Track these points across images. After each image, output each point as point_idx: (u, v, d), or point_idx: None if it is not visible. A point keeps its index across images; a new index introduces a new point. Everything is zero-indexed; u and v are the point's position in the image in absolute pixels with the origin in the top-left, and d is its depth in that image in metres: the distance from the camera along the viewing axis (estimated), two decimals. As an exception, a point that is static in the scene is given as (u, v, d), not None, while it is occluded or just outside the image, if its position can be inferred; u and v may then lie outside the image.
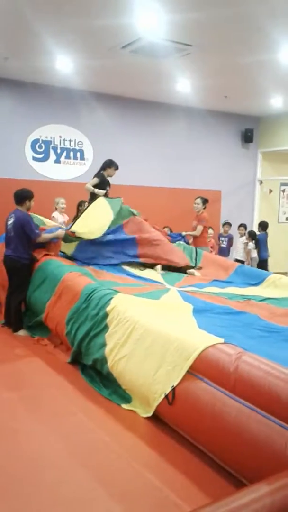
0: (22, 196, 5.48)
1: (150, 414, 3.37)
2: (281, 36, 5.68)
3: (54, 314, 4.79)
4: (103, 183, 6.68)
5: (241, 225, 8.87)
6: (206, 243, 7.50)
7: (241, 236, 8.71)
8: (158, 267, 6.28)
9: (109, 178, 6.78)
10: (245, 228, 8.85)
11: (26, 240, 5.45)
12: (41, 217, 6.45)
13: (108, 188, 6.74)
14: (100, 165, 6.83)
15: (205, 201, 7.54)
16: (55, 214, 7.43)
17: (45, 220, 6.52)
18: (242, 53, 6.41)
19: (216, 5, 4.94)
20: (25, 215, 5.46)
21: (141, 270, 6.15)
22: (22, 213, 5.45)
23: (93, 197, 6.60)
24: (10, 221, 5.47)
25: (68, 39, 6.04)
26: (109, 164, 6.72)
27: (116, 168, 6.73)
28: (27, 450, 3.04)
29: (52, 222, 6.74)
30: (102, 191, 6.57)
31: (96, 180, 6.68)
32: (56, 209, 7.51)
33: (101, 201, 6.44)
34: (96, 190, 6.56)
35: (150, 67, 7.11)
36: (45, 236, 5.69)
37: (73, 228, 5.93)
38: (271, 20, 5.24)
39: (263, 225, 8.71)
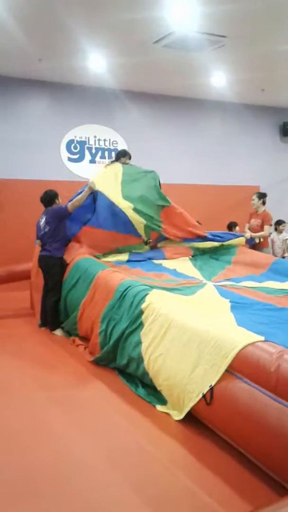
0: (50, 199, 5.57)
1: (182, 416, 3.24)
2: None
3: (89, 313, 4.72)
4: None
5: (279, 221, 8.54)
6: (267, 243, 7.16)
7: (280, 233, 8.42)
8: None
9: None
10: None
11: (60, 232, 5.49)
12: None
13: None
14: (134, 163, 6.74)
15: (261, 195, 7.10)
16: None
17: None
18: (279, 42, 6.20)
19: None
20: (55, 207, 5.56)
21: (173, 261, 6.04)
22: (53, 208, 5.56)
23: None
24: (43, 219, 5.55)
25: (100, 35, 6.01)
26: (123, 154, 6.53)
27: (130, 158, 6.52)
28: (61, 451, 2.97)
29: None
30: None
31: None
32: None
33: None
34: None
35: (183, 62, 6.99)
36: (74, 201, 5.56)
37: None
38: (309, 5, 5.03)
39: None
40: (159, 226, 6.19)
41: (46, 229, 5.48)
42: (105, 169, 6.32)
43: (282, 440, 2.47)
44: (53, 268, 5.48)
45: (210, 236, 6.36)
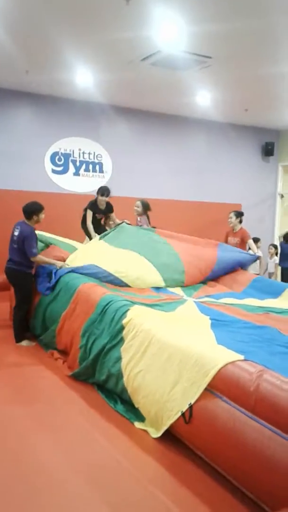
0: (30, 212, 5.33)
1: (160, 434, 3.24)
2: (303, 47, 5.60)
3: (69, 326, 4.69)
4: (95, 214, 6.80)
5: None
6: None
7: (272, 256, 8.52)
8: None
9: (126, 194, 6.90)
10: (275, 248, 8.61)
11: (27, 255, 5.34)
12: (51, 236, 6.37)
13: (100, 216, 6.80)
14: (118, 177, 6.83)
15: (239, 214, 7.20)
16: None
17: (56, 238, 6.43)
18: (263, 65, 6.34)
19: (237, 16, 4.89)
20: (29, 229, 5.32)
21: None
22: (28, 227, 5.33)
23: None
24: (16, 233, 5.35)
25: (88, 52, 6.06)
26: (97, 192, 6.79)
27: (103, 194, 6.67)
28: (36, 468, 2.93)
29: (61, 238, 6.48)
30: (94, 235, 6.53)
31: (90, 214, 6.75)
32: None
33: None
34: (93, 234, 6.57)
35: (170, 80, 7.09)
36: (41, 258, 5.46)
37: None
38: (293, 31, 5.17)
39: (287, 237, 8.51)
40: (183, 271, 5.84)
41: (15, 245, 5.31)
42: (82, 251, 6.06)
43: (260, 460, 2.48)
44: (23, 281, 5.39)
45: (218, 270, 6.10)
